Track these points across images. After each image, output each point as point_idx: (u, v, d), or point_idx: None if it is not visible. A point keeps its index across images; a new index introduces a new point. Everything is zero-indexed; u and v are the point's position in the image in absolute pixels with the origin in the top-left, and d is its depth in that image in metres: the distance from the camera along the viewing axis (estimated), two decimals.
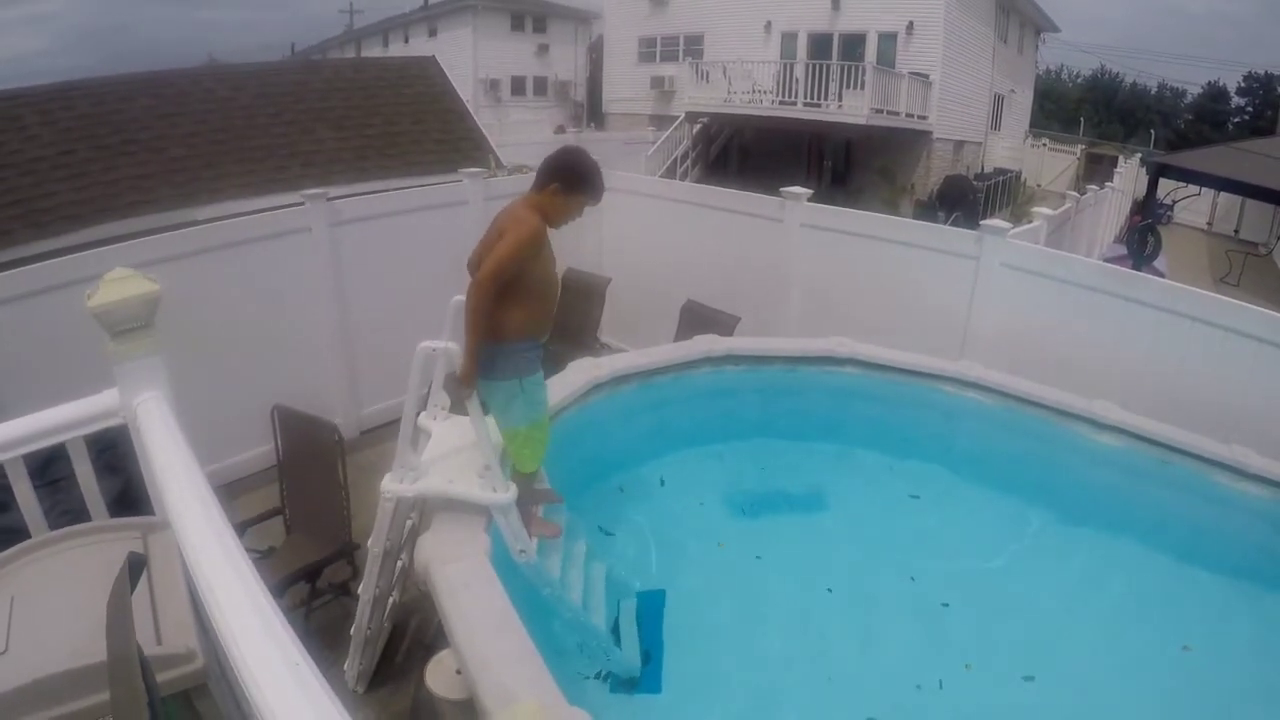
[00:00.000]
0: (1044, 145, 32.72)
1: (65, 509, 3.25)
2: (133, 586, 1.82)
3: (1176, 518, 5.23)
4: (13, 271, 5.55)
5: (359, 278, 7.40)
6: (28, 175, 8.98)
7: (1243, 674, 4.45)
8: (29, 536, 2.85)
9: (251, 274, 6.67)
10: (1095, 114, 56.50)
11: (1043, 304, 6.55)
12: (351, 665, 4.70)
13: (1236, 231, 24.18)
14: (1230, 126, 54.31)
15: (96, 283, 3.09)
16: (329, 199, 7.12)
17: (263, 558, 5.24)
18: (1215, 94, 61.42)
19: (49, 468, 3.29)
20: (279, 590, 4.68)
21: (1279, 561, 4.95)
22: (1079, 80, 65.30)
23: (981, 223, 6.95)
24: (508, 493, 3.72)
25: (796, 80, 21.47)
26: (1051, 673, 4.34)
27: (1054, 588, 5.03)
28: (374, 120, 12.02)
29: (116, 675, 1.62)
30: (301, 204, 7.04)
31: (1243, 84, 59.26)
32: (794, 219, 7.83)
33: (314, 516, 5.34)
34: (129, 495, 3.35)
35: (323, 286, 7.19)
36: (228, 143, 10.64)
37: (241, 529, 5.16)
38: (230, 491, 6.37)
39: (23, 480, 2.99)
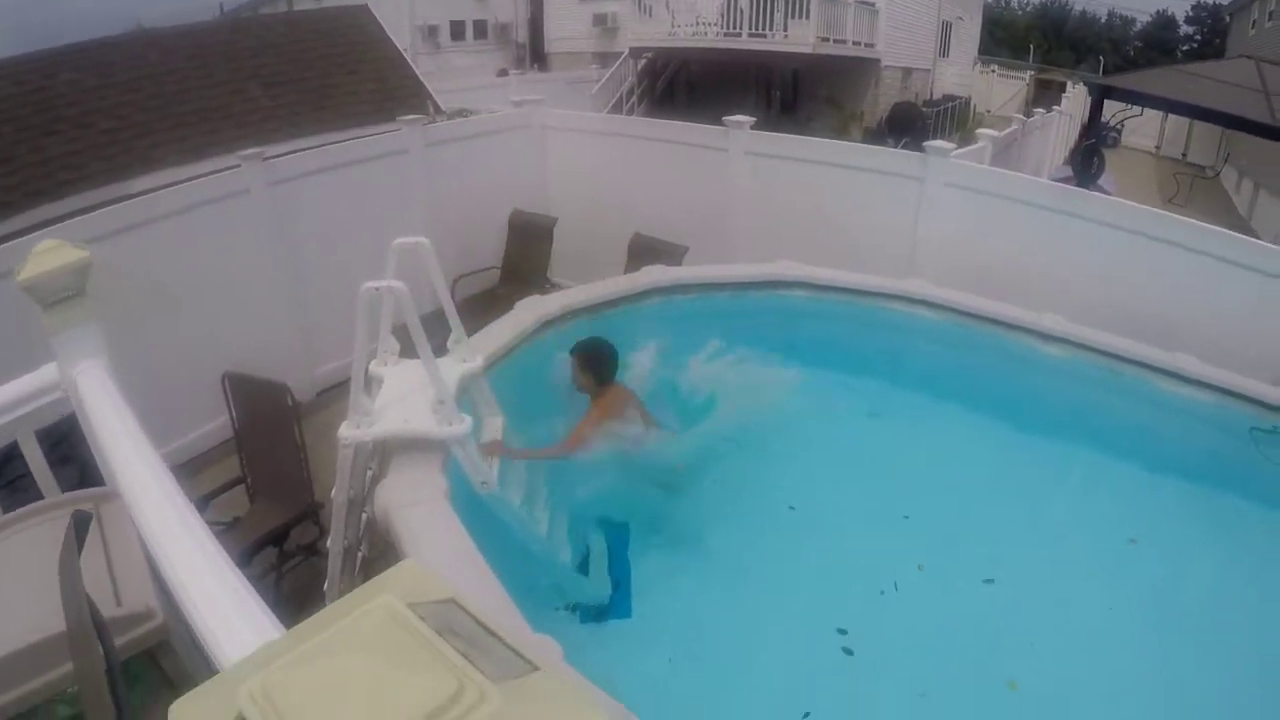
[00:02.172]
0: (993, 72, 32.68)
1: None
2: (80, 544, 1.81)
3: (1124, 423, 5.43)
4: None
5: (304, 235, 7.28)
6: None
7: (1184, 562, 4.69)
8: None
9: (193, 243, 6.53)
10: (1045, 41, 56.39)
11: (988, 222, 6.64)
12: None
13: (1184, 154, 24.47)
14: (1179, 54, 54.49)
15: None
16: (266, 158, 6.97)
17: (228, 529, 5.20)
18: (1164, 22, 61.62)
19: (4, 469, 3.26)
20: (246, 558, 4.70)
21: (1220, 461, 5.20)
22: (1028, 8, 65.15)
23: (925, 144, 6.98)
24: (463, 424, 3.72)
25: (741, 11, 21.12)
26: (1008, 573, 4.50)
27: (1008, 493, 5.17)
28: (308, 75, 11.72)
29: (74, 642, 1.61)
30: (238, 166, 6.89)
31: (1191, 13, 59.40)
32: (738, 147, 7.83)
33: (275, 481, 5.34)
34: (87, 483, 3.30)
35: (267, 248, 7.07)
36: (159, 110, 10.31)
37: (204, 502, 5.15)
38: (191, 468, 6.33)
39: None
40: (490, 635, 1.02)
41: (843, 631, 4.12)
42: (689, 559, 4.61)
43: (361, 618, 1.00)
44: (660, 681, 3.83)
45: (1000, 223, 6.63)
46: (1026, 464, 5.38)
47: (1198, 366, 5.24)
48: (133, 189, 8.48)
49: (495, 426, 4.40)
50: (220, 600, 1.72)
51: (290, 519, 5.06)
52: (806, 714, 3.69)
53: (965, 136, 20.50)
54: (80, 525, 1.84)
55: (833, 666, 4.02)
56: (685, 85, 24.94)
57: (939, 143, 6.98)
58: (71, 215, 6.43)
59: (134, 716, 2.02)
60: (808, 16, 19.66)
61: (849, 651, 4.05)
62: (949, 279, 6.24)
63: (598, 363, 4.77)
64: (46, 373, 3.09)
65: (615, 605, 4.29)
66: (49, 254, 2.95)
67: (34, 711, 2.06)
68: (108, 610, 2.16)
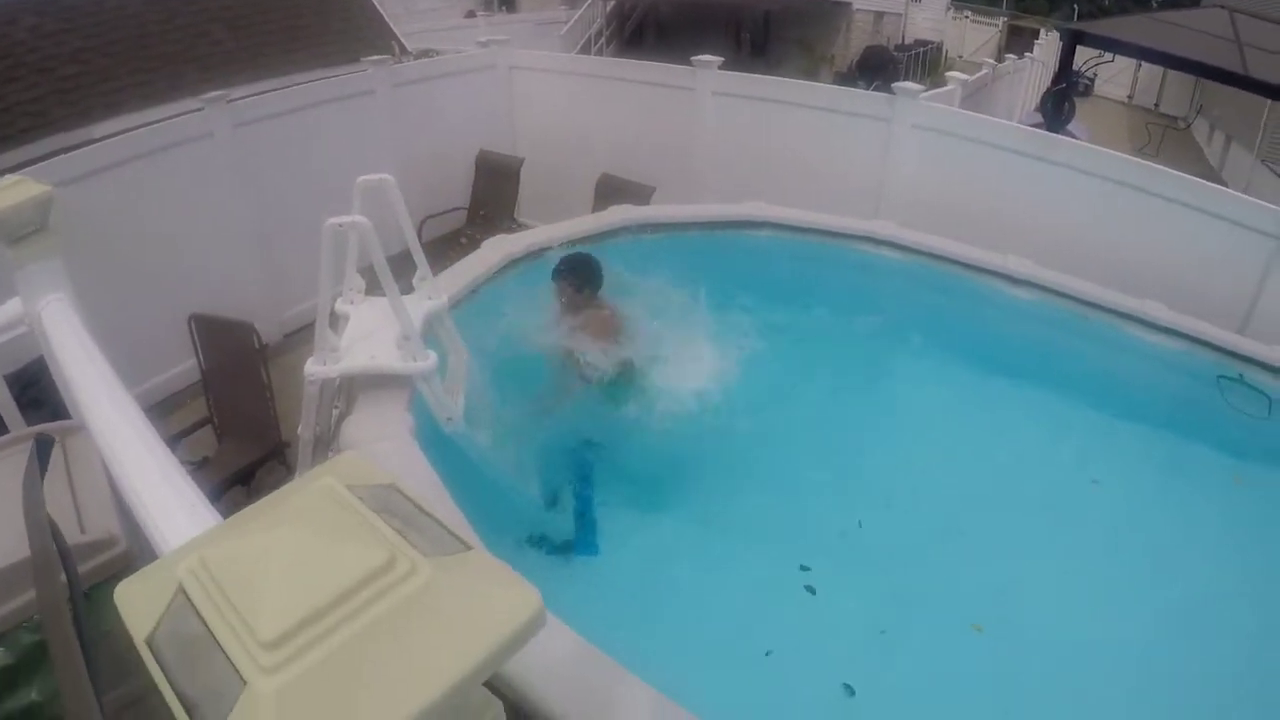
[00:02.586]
0: (966, 17, 32.30)
1: None
2: (43, 468, 1.82)
3: (1090, 368, 5.50)
4: None
5: (270, 178, 7.24)
6: None
7: (1145, 501, 4.81)
8: None
9: (159, 186, 6.49)
10: None
11: (956, 165, 6.67)
12: None
13: (1157, 105, 24.26)
14: (1154, 4, 54.14)
15: None
16: (230, 100, 6.90)
17: (197, 468, 5.24)
18: None
19: None
20: (214, 495, 4.70)
21: (1184, 406, 5.29)
22: None
23: (894, 85, 6.97)
24: (428, 360, 3.73)
25: None
26: (968, 509, 4.58)
27: (971, 434, 5.24)
28: (272, 16, 11.46)
29: (38, 568, 1.63)
30: (202, 109, 6.81)
31: None
32: (705, 87, 7.79)
33: (243, 421, 5.37)
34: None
35: (233, 190, 7.02)
36: (122, 55, 10.07)
37: (173, 442, 5.17)
38: (162, 409, 6.38)
39: None
40: (427, 516, 1.05)
41: (805, 568, 4.17)
42: (653, 502, 4.63)
43: (301, 497, 1.02)
44: (621, 620, 3.79)
45: (968, 165, 6.65)
46: (991, 407, 5.43)
47: (1166, 314, 5.28)
48: (96, 134, 8.34)
49: (459, 362, 4.42)
50: (179, 514, 1.73)
51: (257, 458, 5.10)
52: (768, 652, 3.75)
53: (936, 81, 20.42)
54: (43, 449, 1.85)
55: (795, 605, 4.07)
56: (655, 27, 24.64)
57: (907, 84, 6.97)
58: (35, 161, 6.37)
59: (96, 642, 2.06)
60: None
61: (811, 590, 4.10)
62: (917, 221, 6.26)
63: (586, 273, 4.83)
64: (10, 308, 3.06)
65: (582, 542, 4.35)
66: (11, 189, 2.92)
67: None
68: (72, 538, 2.18)
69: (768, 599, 4.14)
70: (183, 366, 6.09)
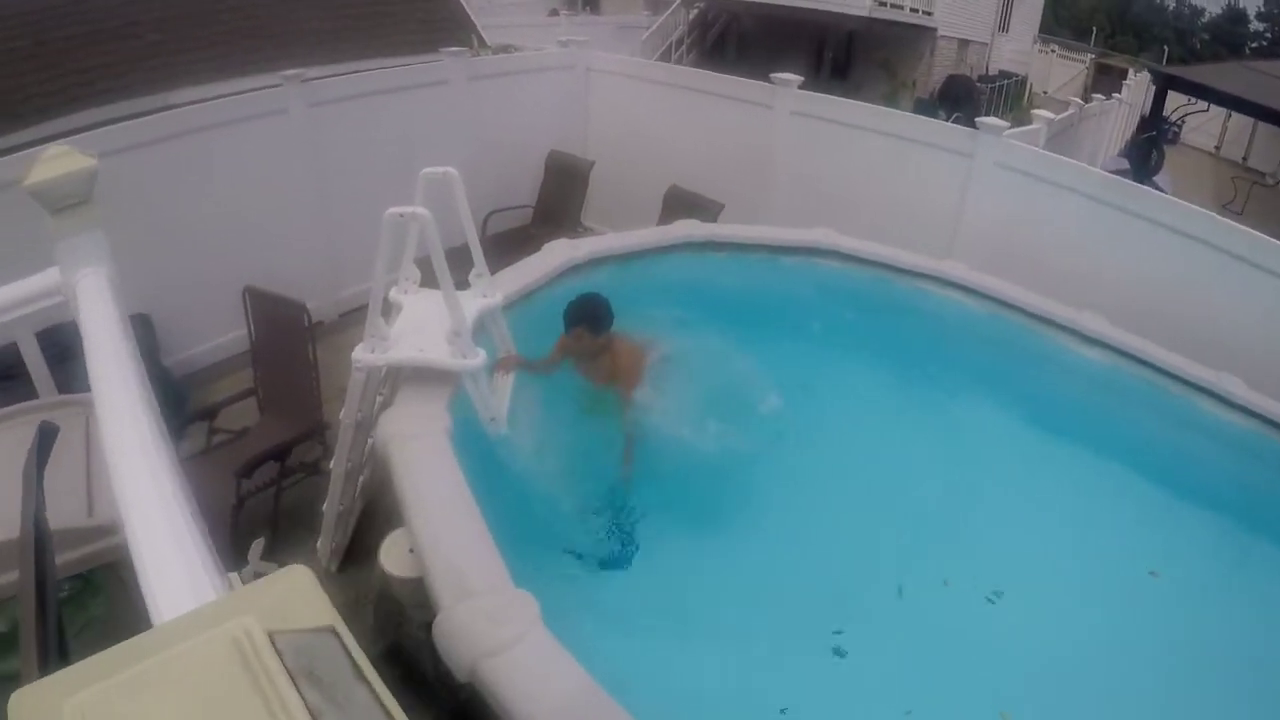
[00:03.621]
0: (1052, 51, 31.90)
1: None
2: (45, 456, 1.77)
3: (1155, 440, 5.15)
4: None
5: (339, 159, 7.25)
6: None
7: (1203, 603, 4.44)
8: None
9: (229, 157, 6.53)
10: (1108, 24, 54.99)
11: (1036, 208, 6.42)
12: (324, 543, 4.73)
13: (1245, 158, 23.44)
14: (1247, 51, 52.84)
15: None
16: (306, 79, 6.91)
17: (236, 438, 5.31)
18: (1234, 15, 59.31)
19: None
20: (248, 469, 4.69)
21: (1253, 494, 4.87)
22: None
23: (978, 120, 6.77)
24: (477, 358, 3.68)
25: None
26: (1014, 589, 4.31)
27: (1024, 502, 4.90)
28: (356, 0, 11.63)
29: (23, 552, 1.57)
30: (279, 85, 6.84)
31: (1263, 8, 57.31)
32: (784, 106, 7.62)
33: (286, 397, 5.38)
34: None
35: (301, 168, 7.05)
36: (203, 26, 10.24)
37: (215, 410, 5.28)
38: (210, 374, 6.51)
39: None
40: (360, 681, 0.89)
41: (838, 632, 3.97)
42: (686, 530, 4.48)
43: (205, 645, 0.85)
44: (636, 652, 3.63)
45: (1048, 211, 6.38)
46: (1048, 472, 5.09)
47: (1244, 391, 4.97)
48: (173, 100, 8.45)
49: (509, 363, 4.36)
50: (160, 529, 1.65)
51: (295, 436, 5.06)
52: (783, 710, 3.59)
53: (1019, 116, 20.12)
54: (46, 437, 1.80)
55: (819, 665, 3.88)
56: (736, 40, 24.49)
57: (992, 119, 6.76)
58: (112, 122, 6.44)
59: (87, 627, 2.02)
60: None
61: (840, 653, 3.92)
62: (989, 262, 6.06)
63: (597, 313, 4.43)
64: (49, 277, 3.05)
65: (613, 556, 4.26)
66: (57, 160, 2.91)
67: None
68: (78, 520, 2.17)
69: (792, 652, 3.92)
70: (234, 335, 6.09)
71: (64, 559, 2.05)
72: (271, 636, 0.84)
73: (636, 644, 3.66)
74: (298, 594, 0.93)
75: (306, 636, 0.86)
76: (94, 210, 2.97)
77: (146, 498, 1.69)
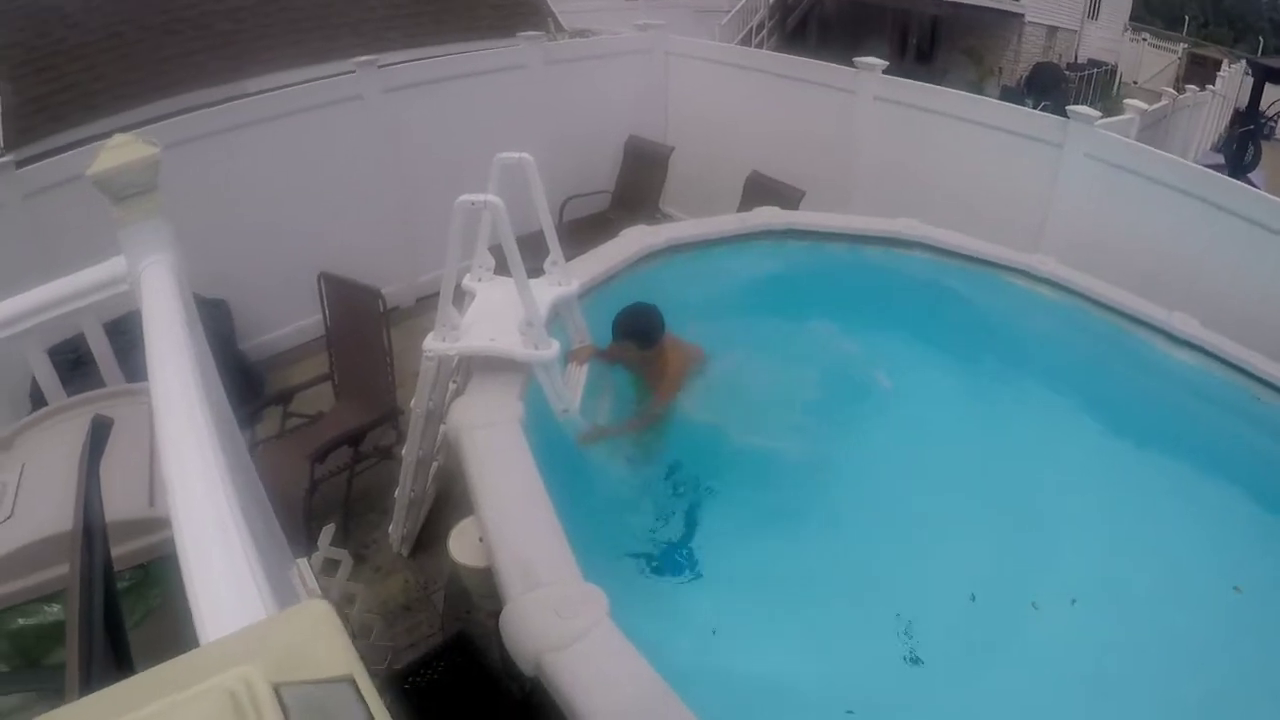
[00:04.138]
0: (1143, 40, 30.78)
1: None
2: (99, 451, 1.77)
3: (1250, 452, 4.81)
4: (70, 153, 5.49)
5: (415, 144, 7.29)
6: (76, 61, 8.91)
7: None
8: None
9: (305, 144, 6.63)
10: (1201, 13, 53.07)
11: (1126, 202, 6.12)
12: (396, 528, 4.75)
13: None
14: None
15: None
16: (380, 65, 6.96)
17: (311, 423, 5.38)
18: None
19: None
20: (322, 454, 4.75)
21: None
22: None
23: (1069, 108, 6.51)
24: (550, 349, 3.64)
25: None
26: (1094, 594, 4.09)
27: (1107, 509, 4.63)
28: None
29: (76, 545, 1.55)
30: (353, 72, 6.89)
31: None
32: (867, 91, 7.41)
33: (361, 382, 5.41)
34: None
35: (377, 154, 7.11)
36: (276, 14, 10.38)
37: (290, 394, 5.37)
38: (287, 359, 6.67)
39: (41, 360, 2.97)
40: None
41: (907, 634, 3.84)
42: (756, 529, 4.31)
43: (193, 701, 0.72)
44: (701, 649, 3.62)
45: (1139, 206, 6.06)
46: (1135, 480, 4.80)
47: None
48: (248, 89, 8.57)
49: (583, 354, 4.30)
50: (207, 529, 1.60)
51: (369, 421, 5.10)
52: (850, 711, 3.46)
53: (1109, 107, 19.51)
54: (100, 431, 1.80)
55: (892, 668, 3.74)
56: (818, 24, 24.10)
57: (1084, 108, 6.48)
58: (187, 111, 6.55)
59: (143, 618, 2.01)
60: None
61: (916, 660, 3.77)
62: (1077, 256, 5.79)
63: (643, 333, 4.19)
64: (114, 265, 3.05)
65: (677, 551, 4.18)
66: (121, 149, 2.89)
67: (31, 605, 2.10)
68: (138, 512, 2.18)
69: (863, 653, 3.79)
70: (310, 320, 6.19)
71: (124, 550, 2.06)
72: (277, 690, 0.72)
73: (703, 641, 3.62)
74: (316, 634, 0.80)
75: (319, 689, 0.74)
76: (157, 199, 2.96)
77: (196, 500, 1.65)
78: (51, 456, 2.39)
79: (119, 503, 2.05)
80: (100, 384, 3.09)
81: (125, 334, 2.99)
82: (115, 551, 1.80)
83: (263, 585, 1.43)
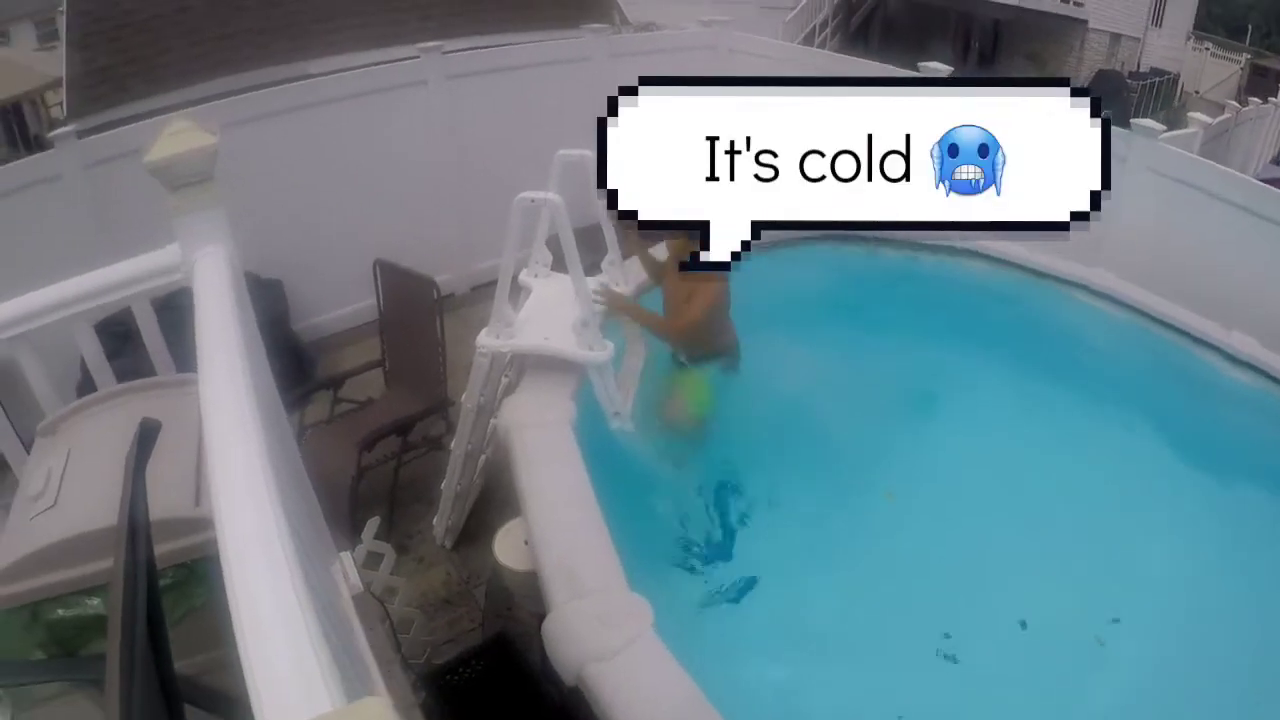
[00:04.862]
0: (1206, 49, 30.01)
1: None
2: (146, 455, 1.78)
3: None
4: (131, 125, 5.56)
5: (476, 132, 7.27)
6: (144, 33, 9.06)
7: None
8: None
9: (366, 128, 6.64)
10: (1264, 23, 51.74)
11: (1187, 217, 5.96)
12: (440, 520, 4.76)
13: None
14: None
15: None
16: (445, 52, 6.97)
17: (360, 409, 5.37)
18: None
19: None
20: (370, 442, 4.75)
21: None
22: None
23: (1133, 121, 6.39)
24: (604, 350, 3.62)
25: None
26: (1142, 620, 3.99)
27: (1153, 528, 4.51)
28: None
29: (120, 541, 1.58)
30: (417, 57, 6.91)
31: None
32: None
33: (412, 371, 5.40)
34: None
35: (438, 140, 7.11)
36: None
37: (341, 380, 5.38)
38: (339, 341, 6.69)
39: (89, 339, 2.95)
40: None
41: (947, 636, 3.80)
42: (800, 536, 4.27)
43: None
44: (748, 662, 3.59)
45: (1200, 222, 5.87)
46: (1186, 502, 4.63)
47: None
48: (311, 70, 8.64)
49: (636, 357, 4.27)
50: (250, 533, 1.59)
51: (419, 411, 5.09)
52: (899, 717, 3.44)
53: (1170, 117, 19.14)
54: (147, 435, 1.81)
55: (936, 682, 3.70)
56: (881, 24, 23.86)
57: (1149, 122, 6.34)
58: (251, 89, 6.61)
59: (182, 617, 2.03)
60: None
61: (952, 659, 3.73)
62: (1137, 272, 5.68)
63: None
64: (169, 254, 2.99)
65: (723, 559, 4.14)
66: (178, 137, 2.82)
67: (72, 597, 2.10)
68: (184, 510, 2.16)
69: (909, 674, 3.73)
70: (364, 304, 6.16)
71: (168, 549, 2.05)
72: None
73: (747, 657, 3.59)
74: None
75: None
76: (214, 187, 2.94)
77: (242, 508, 1.63)
78: (97, 446, 2.39)
79: (164, 500, 2.03)
80: (147, 359, 3.10)
81: (175, 309, 2.95)
82: (159, 550, 1.79)
83: (306, 604, 1.42)
